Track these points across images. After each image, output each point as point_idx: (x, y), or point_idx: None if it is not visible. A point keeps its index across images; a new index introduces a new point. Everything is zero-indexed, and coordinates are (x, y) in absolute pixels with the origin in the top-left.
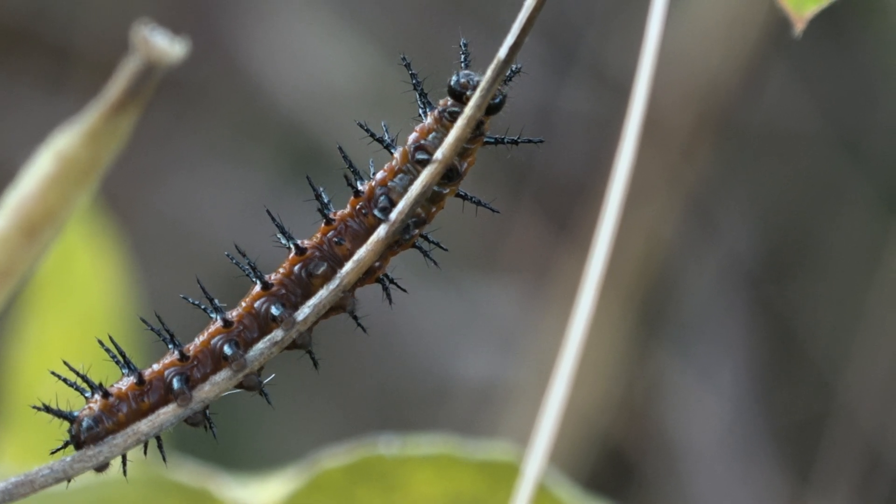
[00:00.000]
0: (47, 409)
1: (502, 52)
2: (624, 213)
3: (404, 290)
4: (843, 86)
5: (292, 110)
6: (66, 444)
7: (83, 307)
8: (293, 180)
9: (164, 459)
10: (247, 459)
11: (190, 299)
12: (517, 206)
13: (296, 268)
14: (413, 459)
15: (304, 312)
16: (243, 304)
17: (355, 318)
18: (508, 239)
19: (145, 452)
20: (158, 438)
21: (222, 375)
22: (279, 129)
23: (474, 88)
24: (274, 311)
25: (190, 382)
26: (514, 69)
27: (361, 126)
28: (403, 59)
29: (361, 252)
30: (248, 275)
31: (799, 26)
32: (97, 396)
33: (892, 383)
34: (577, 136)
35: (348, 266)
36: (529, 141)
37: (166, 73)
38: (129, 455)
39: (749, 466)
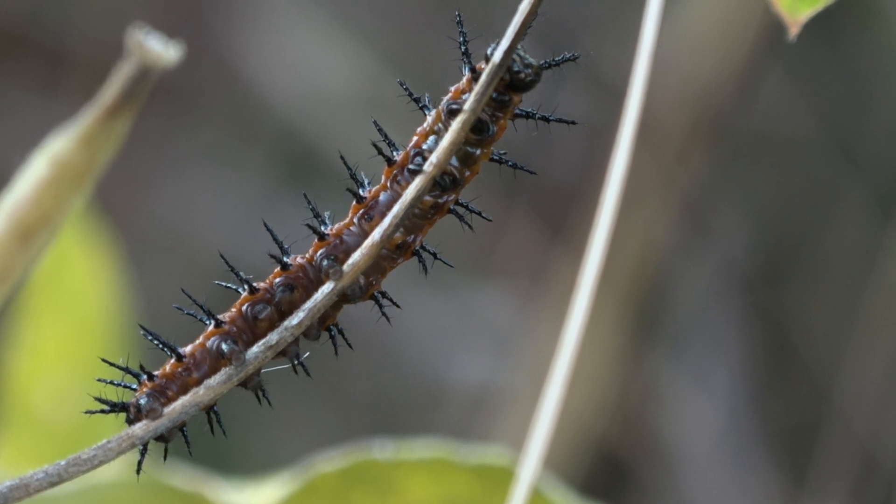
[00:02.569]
0: (117, 405)
1: (497, 55)
2: (619, 217)
3: (451, 266)
4: (838, 90)
5: (287, 114)
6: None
7: (78, 311)
8: (288, 184)
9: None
10: (241, 463)
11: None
12: (512, 209)
13: (318, 253)
14: (407, 463)
15: (298, 316)
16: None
17: (377, 301)
18: (503, 243)
19: (141, 462)
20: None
21: (218, 379)
22: (274, 133)
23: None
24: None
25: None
26: (570, 56)
27: (401, 84)
28: (458, 15)
29: (387, 221)
30: (274, 267)
31: (793, 30)
32: (144, 378)
33: (887, 387)
34: (572, 141)
35: (345, 267)
36: (561, 120)
37: (161, 77)
38: (123, 459)
39: (744, 470)
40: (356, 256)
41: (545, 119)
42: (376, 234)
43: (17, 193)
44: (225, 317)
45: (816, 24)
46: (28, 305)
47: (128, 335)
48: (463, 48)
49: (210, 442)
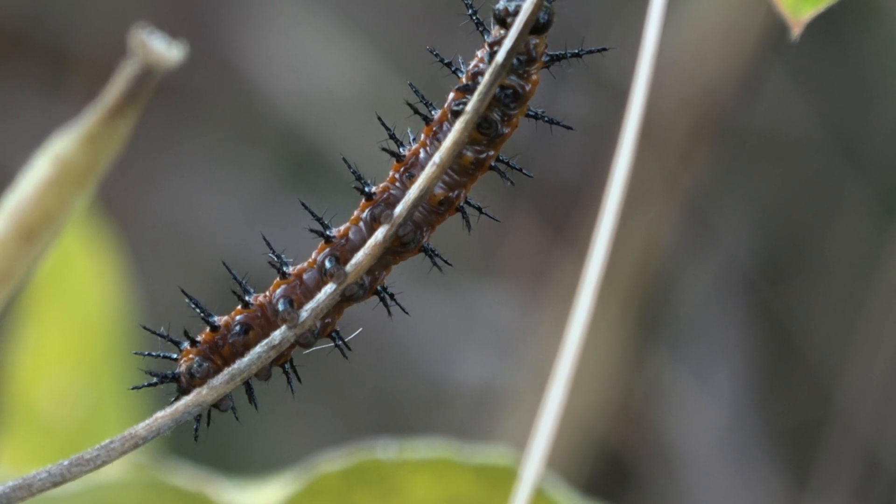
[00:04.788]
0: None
1: (500, 56)
2: (621, 218)
3: (495, 219)
4: (841, 89)
5: (289, 114)
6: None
7: (81, 311)
8: (290, 184)
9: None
10: (244, 463)
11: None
12: (515, 210)
13: (364, 213)
14: (410, 464)
15: (302, 315)
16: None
17: (430, 255)
18: (506, 243)
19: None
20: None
21: (221, 378)
22: (276, 133)
23: (515, 15)
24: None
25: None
26: None
27: (431, 52)
28: None
29: (421, 180)
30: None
31: (796, 30)
32: (186, 345)
33: (890, 387)
34: (575, 141)
35: (357, 257)
36: (591, 51)
37: (164, 77)
38: (127, 458)
39: (746, 471)
40: (359, 256)
41: (577, 55)
42: (379, 234)
43: (20, 193)
44: (252, 300)
45: (819, 23)
46: (31, 305)
47: (130, 335)
48: (475, 18)
49: (213, 441)
